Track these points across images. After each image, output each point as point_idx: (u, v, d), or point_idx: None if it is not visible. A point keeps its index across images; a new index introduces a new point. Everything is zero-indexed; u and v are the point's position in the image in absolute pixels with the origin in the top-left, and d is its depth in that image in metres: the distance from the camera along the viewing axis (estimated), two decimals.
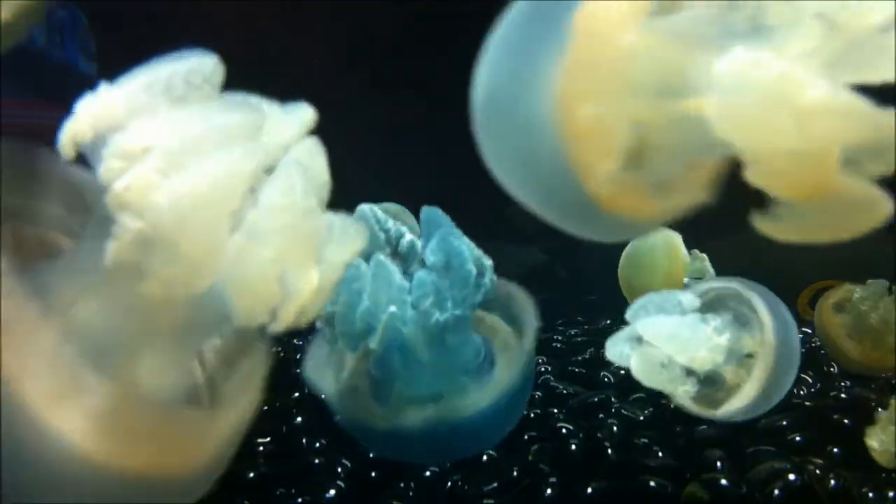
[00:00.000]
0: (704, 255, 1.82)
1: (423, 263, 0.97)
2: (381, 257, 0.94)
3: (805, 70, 0.60)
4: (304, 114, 0.70)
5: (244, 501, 1.23)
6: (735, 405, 1.16)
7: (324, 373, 1.05)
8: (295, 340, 2.31)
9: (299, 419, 1.55)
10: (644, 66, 0.65)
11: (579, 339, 2.18)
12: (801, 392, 1.69)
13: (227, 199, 0.61)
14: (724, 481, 1.21)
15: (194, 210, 0.60)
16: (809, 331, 1.85)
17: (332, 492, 1.24)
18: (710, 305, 1.21)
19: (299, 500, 1.23)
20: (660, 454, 1.33)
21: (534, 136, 0.68)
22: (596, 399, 1.60)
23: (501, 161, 0.76)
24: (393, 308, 0.92)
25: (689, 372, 1.16)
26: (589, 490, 1.21)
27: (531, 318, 1.07)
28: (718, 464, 1.29)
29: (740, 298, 1.19)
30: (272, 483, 1.27)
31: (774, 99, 0.60)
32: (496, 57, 0.72)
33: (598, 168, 0.67)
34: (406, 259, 0.99)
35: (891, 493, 1.18)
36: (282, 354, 2.15)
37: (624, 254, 1.89)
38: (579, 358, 2.01)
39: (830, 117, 0.59)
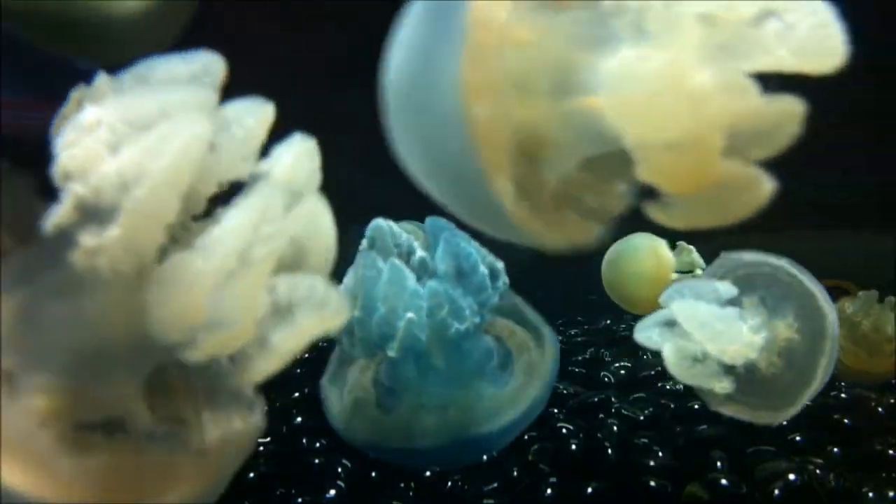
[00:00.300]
0: (691, 248, 1.77)
1: (432, 275, 0.96)
2: (396, 261, 0.93)
3: (690, 60, 0.63)
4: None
5: (244, 501, 1.23)
6: (802, 401, 1.13)
7: (329, 392, 1.04)
8: None
9: (299, 419, 1.55)
10: (535, 64, 0.66)
11: (579, 339, 2.18)
12: None
13: (172, 170, 0.58)
14: (724, 481, 1.21)
15: (137, 179, 0.57)
16: None
17: (332, 492, 1.24)
18: (737, 284, 1.17)
19: (299, 500, 1.23)
20: (660, 454, 1.33)
21: (445, 139, 0.67)
22: (596, 399, 1.60)
23: (415, 160, 0.73)
24: (411, 315, 0.90)
25: (726, 368, 1.13)
26: (589, 490, 1.21)
27: (541, 322, 1.06)
28: (718, 464, 1.29)
29: (790, 286, 1.15)
30: (272, 483, 1.27)
31: (663, 87, 0.63)
32: (405, 44, 0.71)
33: (498, 180, 0.67)
34: (417, 275, 0.98)
35: (891, 493, 1.18)
36: None
37: (606, 261, 1.85)
38: (579, 358, 2.01)
39: (717, 100, 0.62)
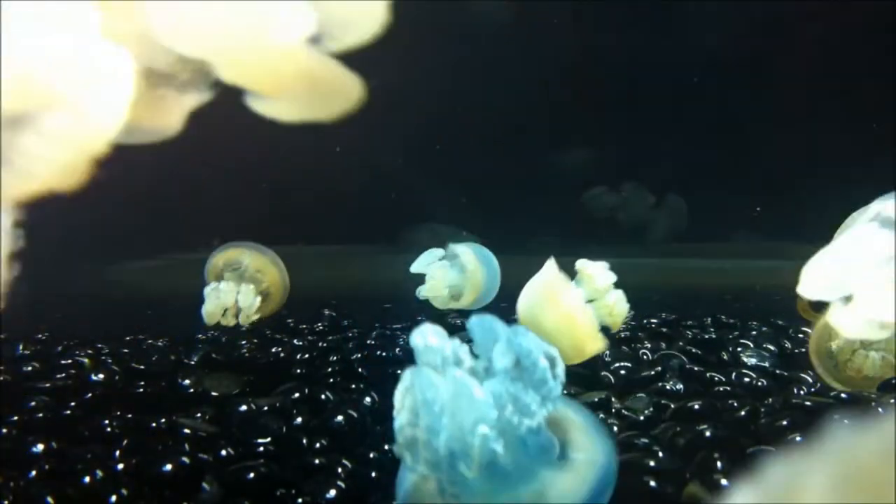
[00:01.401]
0: (591, 273, 1.58)
1: (484, 377, 0.92)
2: (457, 374, 0.88)
3: None
4: None
5: (244, 501, 1.23)
6: None
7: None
8: (295, 341, 2.31)
9: (299, 419, 1.55)
10: None
11: None
12: (801, 392, 1.70)
13: None
14: (724, 481, 1.21)
15: None
16: (810, 331, 1.85)
17: (332, 492, 1.24)
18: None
19: (299, 500, 1.23)
20: (660, 454, 1.33)
21: None
22: (596, 399, 1.60)
23: None
24: (484, 429, 0.87)
25: None
26: None
27: (568, 400, 1.02)
28: (718, 464, 1.29)
29: None
30: (272, 483, 1.27)
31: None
32: None
33: None
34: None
35: None
36: (281, 355, 2.15)
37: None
38: None
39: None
